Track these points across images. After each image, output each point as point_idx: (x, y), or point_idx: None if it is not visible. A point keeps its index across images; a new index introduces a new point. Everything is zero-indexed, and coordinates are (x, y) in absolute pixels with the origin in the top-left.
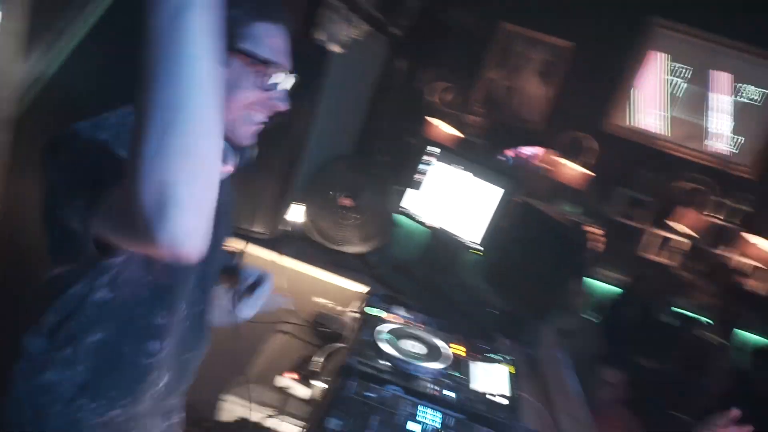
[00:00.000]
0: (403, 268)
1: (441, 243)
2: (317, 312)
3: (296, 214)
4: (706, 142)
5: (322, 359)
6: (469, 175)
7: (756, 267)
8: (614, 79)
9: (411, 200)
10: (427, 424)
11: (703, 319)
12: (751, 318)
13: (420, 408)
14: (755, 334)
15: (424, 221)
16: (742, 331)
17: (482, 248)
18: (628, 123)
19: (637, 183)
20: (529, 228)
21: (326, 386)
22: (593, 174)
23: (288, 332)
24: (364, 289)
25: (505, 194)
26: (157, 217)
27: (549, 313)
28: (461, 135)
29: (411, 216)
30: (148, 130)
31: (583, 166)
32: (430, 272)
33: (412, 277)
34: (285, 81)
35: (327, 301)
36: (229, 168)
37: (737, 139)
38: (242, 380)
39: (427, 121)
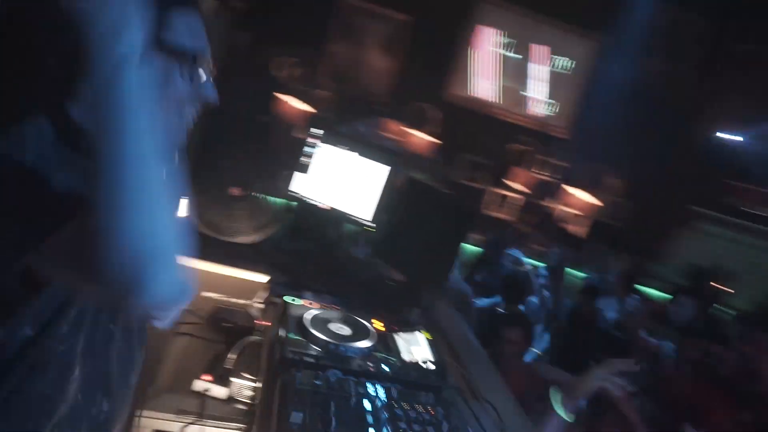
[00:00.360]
0: (299, 252)
1: (333, 223)
2: (215, 307)
3: (180, 208)
4: (529, 107)
5: (235, 356)
6: (354, 154)
7: (576, 215)
8: (451, 51)
9: (300, 183)
10: (377, 399)
11: (541, 264)
12: (576, 257)
13: (367, 386)
14: (580, 272)
15: (315, 203)
16: (571, 270)
17: (374, 225)
18: (467, 93)
19: (477, 148)
20: (415, 201)
21: (255, 384)
22: (439, 141)
23: (188, 333)
24: (261, 278)
25: (391, 172)
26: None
27: (443, 279)
28: (313, 110)
29: (301, 199)
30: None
31: (430, 134)
32: (325, 253)
33: (309, 261)
34: (211, 71)
35: (222, 295)
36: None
37: (554, 104)
38: (155, 391)
39: (276, 97)
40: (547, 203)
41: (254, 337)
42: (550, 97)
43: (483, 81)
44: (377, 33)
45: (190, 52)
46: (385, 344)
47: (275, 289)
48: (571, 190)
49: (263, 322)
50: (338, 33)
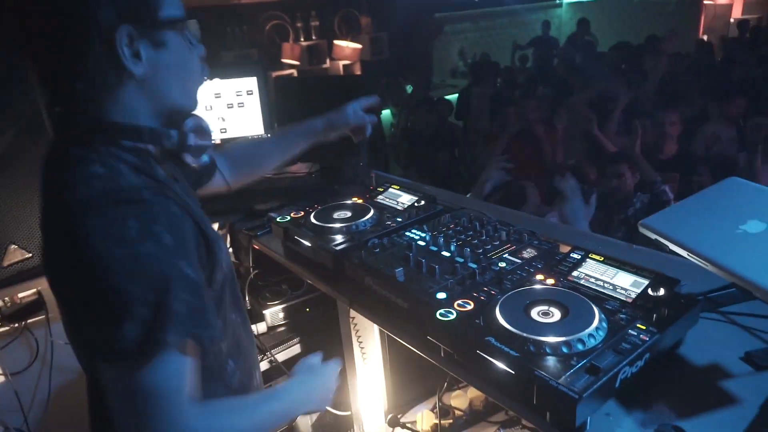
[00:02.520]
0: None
1: None
2: None
3: None
4: None
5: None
6: (216, 81)
7: (348, 64)
8: None
9: None
10: (421, 237)
11: None
12: None
13: (405, 234)
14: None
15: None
16: None
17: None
18: None
19: (236, 42)
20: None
21: (283, 304)
22: None
23: None
24: None
25: (259, 80)
26: None
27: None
28: None
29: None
30: None
31: None
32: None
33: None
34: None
35: None
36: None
37: None
38: None
39: None
40: (324, 66)
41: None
42: None
43: None
44: None
45: (186, 20)
46: (379, 209)
47: (236, 223)
48: (338, 43)
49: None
50: None
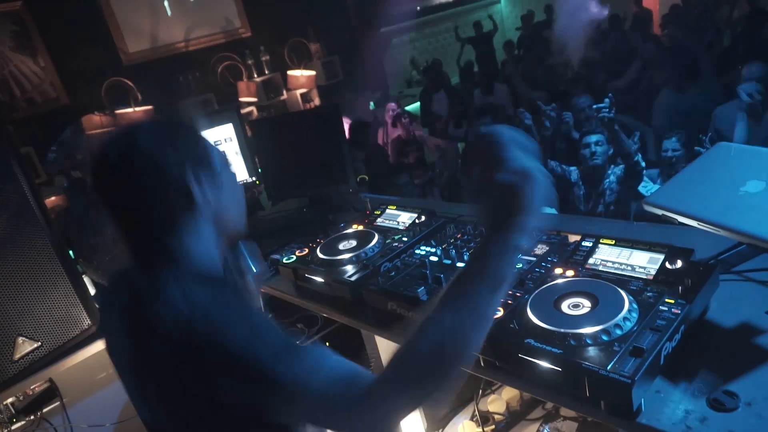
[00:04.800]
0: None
1: None
2: None
3: None
4: (211, 27)
5: None
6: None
7: (305, 92)
8: (93, 17)
9: None
10: (431, 252)
11: None
12: None
13: (415, 253)
14: None
15: None
16: None
17: (258, 179)
18: (146, 46)
19: (189, 88)
20: (275, 135)
21: None
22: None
23: None
24: None
25: (235, 125)
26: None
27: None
28: None
29: None
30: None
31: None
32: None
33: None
34: None
35: None
36: None
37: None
38: None
39: None
40: (281, 98)
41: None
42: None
43: (153, 25)
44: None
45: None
46: (382, 232)
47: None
48: (293, 72)
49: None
50: None
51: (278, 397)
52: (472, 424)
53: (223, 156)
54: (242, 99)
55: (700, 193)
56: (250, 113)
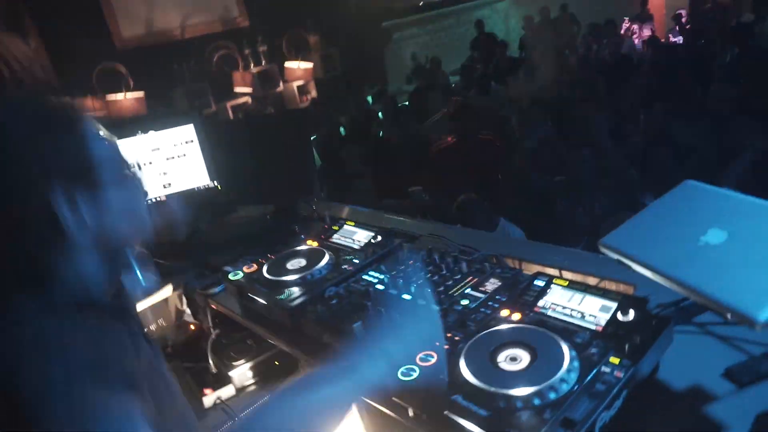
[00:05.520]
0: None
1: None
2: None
3: None
4: (208, 14)
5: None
6: (151, 134)
7: (302, 84)
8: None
9: None
10: (379, 279)
11: None
12: None
13: (362, 278)
14: None
15: (151, 198)
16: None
17: (217, 184)
18: (141, 32)
19: (183, 76)
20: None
21: (249, 362)
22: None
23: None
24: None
25: (196, 126)
26: None
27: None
28: None
29: None
30: None
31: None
32: (198, 231)
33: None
34: None
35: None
36: None
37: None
38: None
39: None
40: (278, 90)
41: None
42: None
43: (149, 9)
44: None
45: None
46: (335, 251)
47: (191, 282)
48: (290, 64)
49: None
50: None
51: None
52: None
53: (115, 162)
54: (237, 89)
55: (657, 239)
56: (244, 104)
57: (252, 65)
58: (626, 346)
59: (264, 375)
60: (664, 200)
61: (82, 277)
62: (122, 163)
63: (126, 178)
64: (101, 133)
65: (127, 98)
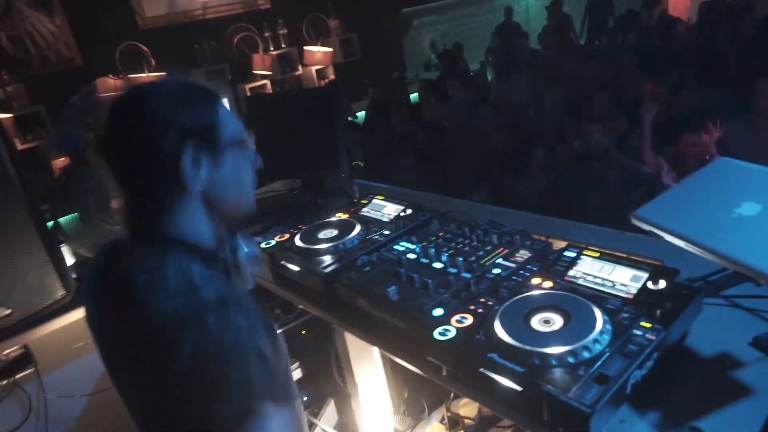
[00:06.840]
0: None
1: None
2: None
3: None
4: None
5: None
6: None
7: (321, 69)
8: None
9: None
10: (411, 249)
11: None
12: None
13: (394, 248)
14: None
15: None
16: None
17: None
18: (163, 12)
19: (203, 57)
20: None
21: None
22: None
23: None
24: None
25: (229, 100)
26: None
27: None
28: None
29: None
30: None
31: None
32: None
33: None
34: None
35: None
36: None
37: None
38: None
39: None
40: (297, 73)
41: None
42: None
43: None
44: None
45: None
46: (366, 222)
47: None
48: (310, 48)
49: None
50: None
51: None
52: (442, 427)
53: (236, 132)
54: (256, 71)
55: (691, 211)
56: (263, 86)
57: (272, 48)
58: (657, 312)
59: (291, 343)
60: (697, 176)
61: (196, 230)
62: (243, 139)
63: (243, 152)
64: (231, 111)
65: (149, 78)
